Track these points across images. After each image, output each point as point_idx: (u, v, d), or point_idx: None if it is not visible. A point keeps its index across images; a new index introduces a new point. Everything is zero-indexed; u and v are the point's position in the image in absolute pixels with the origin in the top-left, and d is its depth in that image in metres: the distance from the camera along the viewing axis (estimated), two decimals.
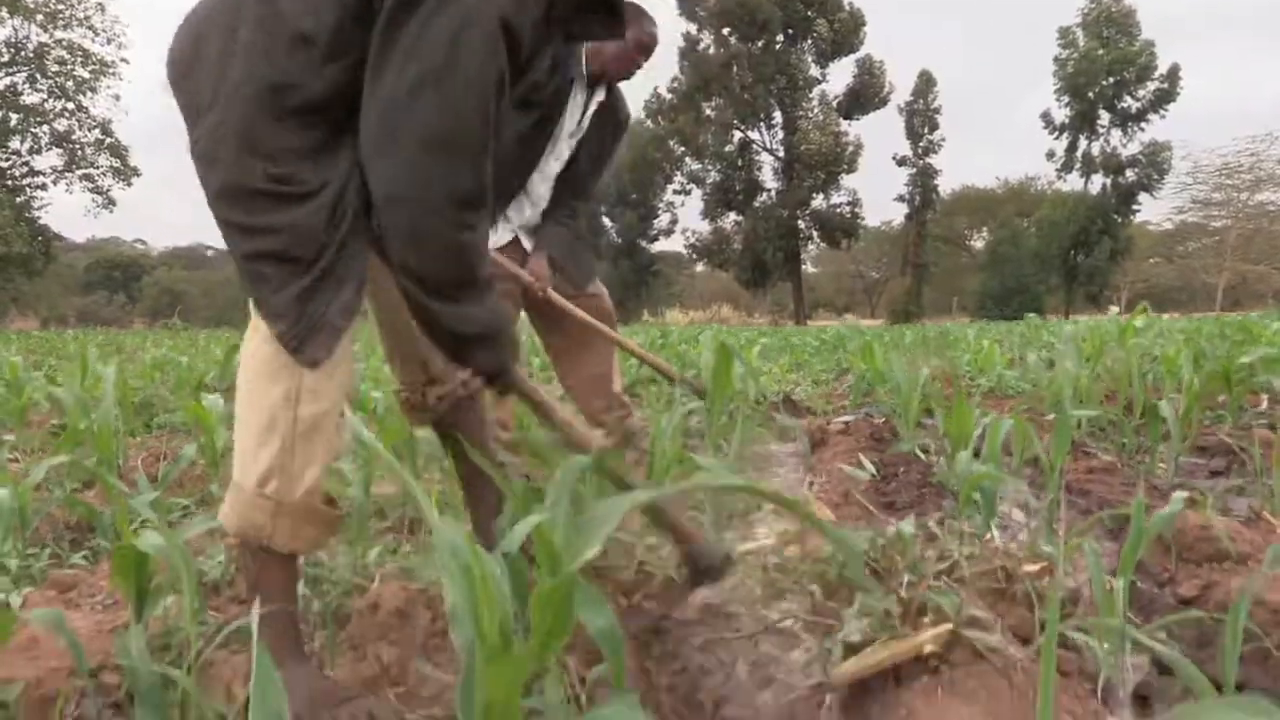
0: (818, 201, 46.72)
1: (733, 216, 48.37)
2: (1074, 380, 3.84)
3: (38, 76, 37.79)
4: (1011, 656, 1.46)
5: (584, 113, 3.27)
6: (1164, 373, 4.55)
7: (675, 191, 50.02)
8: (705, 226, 48.95)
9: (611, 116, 3.35)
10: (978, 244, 60.20)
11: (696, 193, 49.01)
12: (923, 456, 3.36)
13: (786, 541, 2.50)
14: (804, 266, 50.23)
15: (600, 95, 3.27)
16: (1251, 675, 1.85)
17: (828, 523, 1.18)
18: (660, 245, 54.89)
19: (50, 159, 40.79)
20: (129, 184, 40.77)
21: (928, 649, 1.40)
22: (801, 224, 46.66)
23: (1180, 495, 1.73)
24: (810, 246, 49.40)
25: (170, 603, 1.83)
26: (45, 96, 38.46)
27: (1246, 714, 0.69)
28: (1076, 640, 1.61)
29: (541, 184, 3.35)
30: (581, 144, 3.31)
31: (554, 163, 3.32)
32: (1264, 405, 4.41)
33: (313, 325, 1.53)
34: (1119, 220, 46.04)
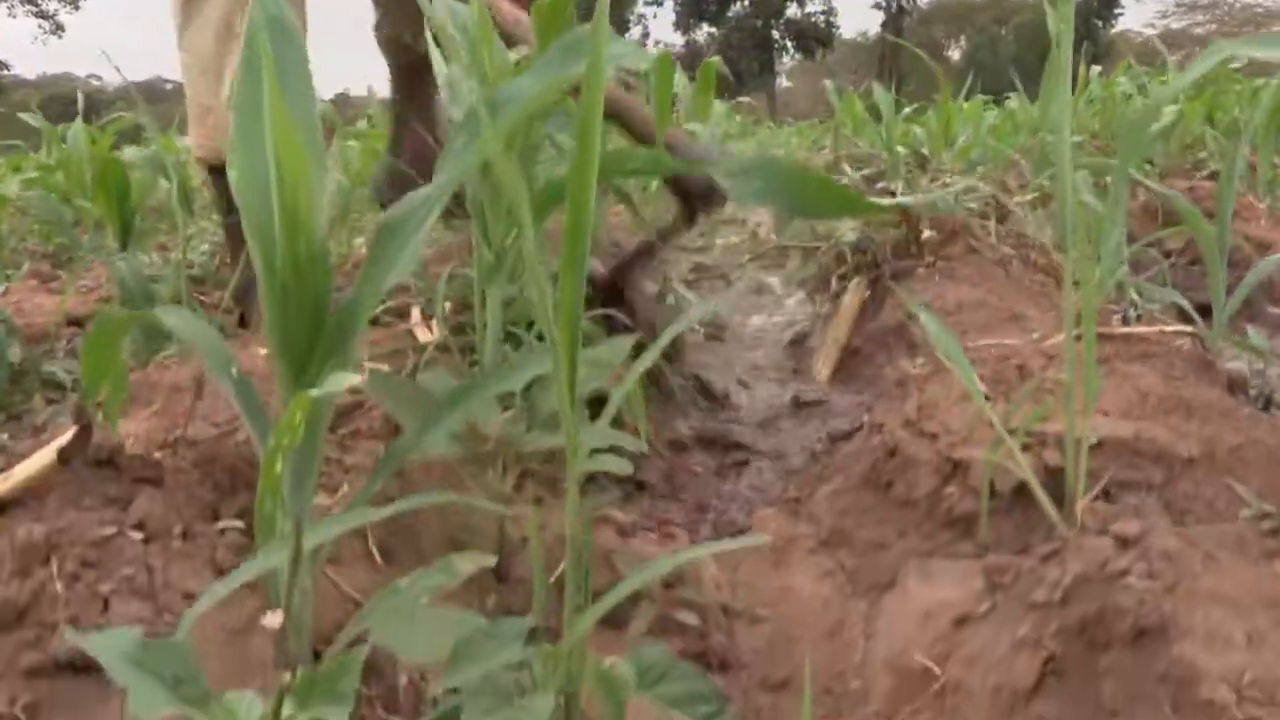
0: (792, 10, 45.15)
1: (706, 28, 46.75)
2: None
3: None
4: (1005, 253, 1.47)
5: None
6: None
7: (646, 3, 47.98)
8: (678, 39, 47.41)
9: None
10: (954, 55, 58.65)
11: (669, 4, 47.22)
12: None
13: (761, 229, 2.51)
14: (779, 80, 48.96)
15: None
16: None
17: None
18: None
19: None
20: (76, 8, 38.70)
21: (925, 234, 1.40)
22: (776, 34, 45.21)
23: (1173, 107, 1.71)
24: (785, 58, 48.03)
25: (155, 257, 1.81)
26: None
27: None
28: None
29: None
30: None
31: None
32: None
33: None
34: (1100, 25, 44.83)
